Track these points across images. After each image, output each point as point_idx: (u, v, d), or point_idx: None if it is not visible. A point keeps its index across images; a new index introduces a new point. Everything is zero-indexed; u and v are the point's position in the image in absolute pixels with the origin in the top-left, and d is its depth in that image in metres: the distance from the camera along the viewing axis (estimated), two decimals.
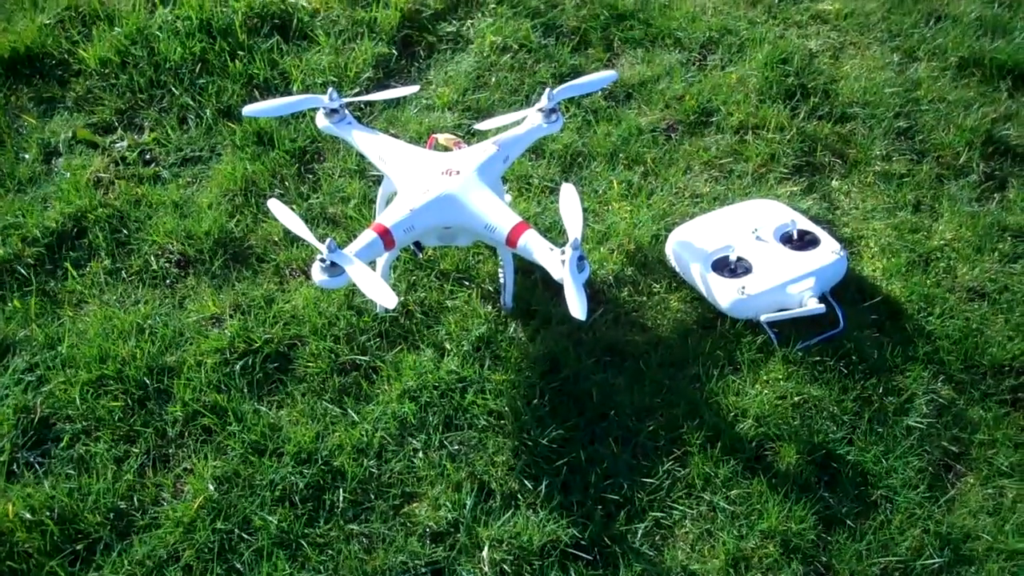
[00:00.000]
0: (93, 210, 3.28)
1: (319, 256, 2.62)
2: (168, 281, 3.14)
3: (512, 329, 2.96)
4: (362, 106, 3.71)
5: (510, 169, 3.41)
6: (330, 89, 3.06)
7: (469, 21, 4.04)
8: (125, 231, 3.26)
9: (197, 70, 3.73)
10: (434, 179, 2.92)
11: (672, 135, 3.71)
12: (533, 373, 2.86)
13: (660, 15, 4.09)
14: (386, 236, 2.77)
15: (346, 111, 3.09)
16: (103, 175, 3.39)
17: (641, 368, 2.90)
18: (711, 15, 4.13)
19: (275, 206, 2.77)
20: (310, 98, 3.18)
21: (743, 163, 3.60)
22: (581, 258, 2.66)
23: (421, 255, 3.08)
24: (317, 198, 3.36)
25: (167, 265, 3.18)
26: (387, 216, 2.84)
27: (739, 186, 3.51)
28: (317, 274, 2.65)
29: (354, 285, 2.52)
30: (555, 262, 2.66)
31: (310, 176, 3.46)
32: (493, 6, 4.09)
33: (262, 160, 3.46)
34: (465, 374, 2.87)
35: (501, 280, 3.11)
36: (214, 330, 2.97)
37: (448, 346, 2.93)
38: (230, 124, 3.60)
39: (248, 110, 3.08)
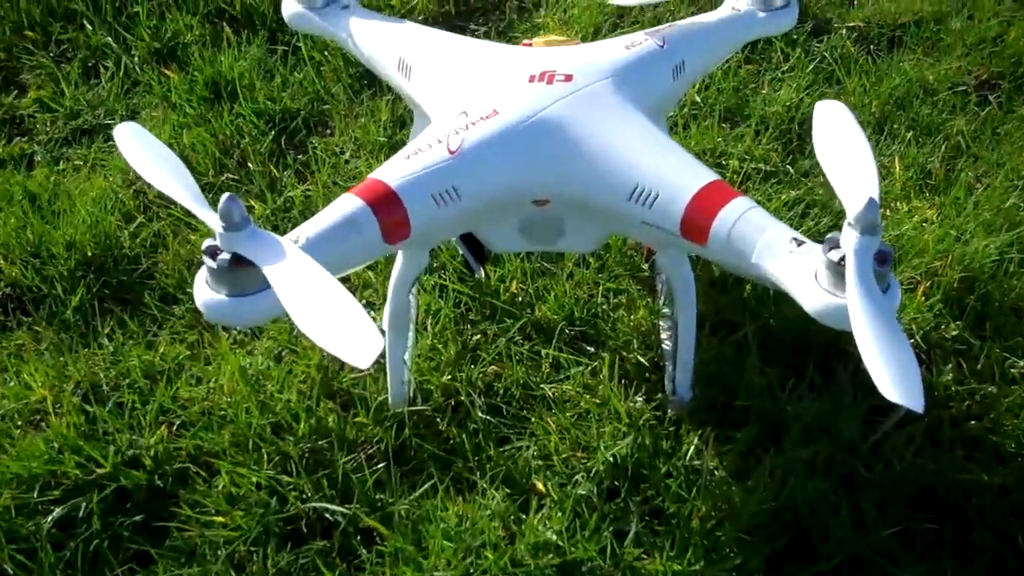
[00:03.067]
0: None
1: (206, 244, 1.16)
2: None
3: (691, 447, 1.42)
4: None
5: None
6: None
7: None
8: None
9: None
10: (514, 90, 1.42)
11: (990, 96, 2.17)
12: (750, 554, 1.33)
13: None
14: (385, 206, 1.27)
15: None
16: None
17: None
18: None
19: (126, 133, 1.32)
20: None
21: None
22: (884, 259, 1.12)
23: (481, 271, 1.54)
24: (307, 191, 1.93)
25: None
26: (394, 166, 1.35)
27: None
28: (200, 288, 1.19)
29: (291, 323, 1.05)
30: (808, 271, 1.14)
31: (298, 156, 2.02)
32: None
33: (210, 125, 2.05)
34: (576, 555, 1.36)
35: (667, 345, 1.57)
36: (30, 435, 1.48)
37: (541, 484, 1.42)
38: (167, 72, 2.21)
39: None
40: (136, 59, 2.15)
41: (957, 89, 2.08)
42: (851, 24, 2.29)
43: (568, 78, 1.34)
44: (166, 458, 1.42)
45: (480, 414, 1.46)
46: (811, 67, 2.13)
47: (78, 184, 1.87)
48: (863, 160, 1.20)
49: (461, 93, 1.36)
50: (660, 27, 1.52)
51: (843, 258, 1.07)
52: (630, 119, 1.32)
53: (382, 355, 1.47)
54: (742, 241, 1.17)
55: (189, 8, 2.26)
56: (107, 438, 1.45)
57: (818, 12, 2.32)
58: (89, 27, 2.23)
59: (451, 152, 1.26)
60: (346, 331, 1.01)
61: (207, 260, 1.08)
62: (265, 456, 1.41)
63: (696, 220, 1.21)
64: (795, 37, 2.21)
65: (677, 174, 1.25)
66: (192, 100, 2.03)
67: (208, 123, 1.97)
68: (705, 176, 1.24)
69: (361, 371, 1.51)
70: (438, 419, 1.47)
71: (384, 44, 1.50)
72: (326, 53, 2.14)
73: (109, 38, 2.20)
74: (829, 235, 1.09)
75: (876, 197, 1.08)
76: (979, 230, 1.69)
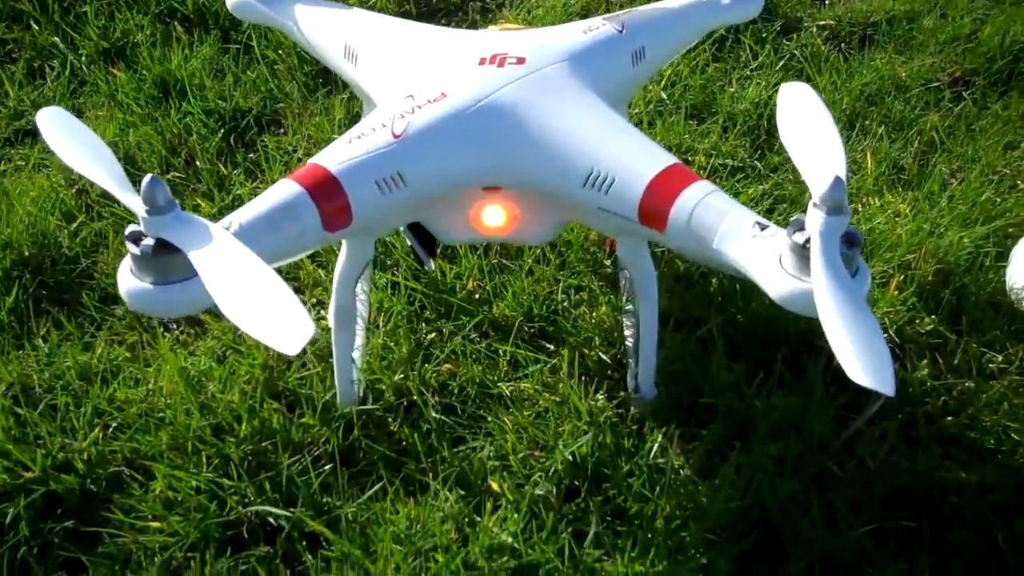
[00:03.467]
0: None
1: (129, 230, 1.10)
2: None
3: (655, 445, 1.36)
4: None
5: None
6: None
7: None
8: None
9: None
10: (463, 73, 1.37)
11: (964, 93, 2.13)
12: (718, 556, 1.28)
13: None
14: (325, 192, 1.21)
15: None
16: None
17: None
18: None
19: (48, 117, 1.26)
20: None
21: None
22: (852, 240, 1.07)
23: (431, 264, 1.44)
24: (256, 188, 1.83)
25: None
26: (335, 150, 1.30)
27: None
28: (124, 276, 1.13)
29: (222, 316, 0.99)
30: (772, 255, 1.09)
31: (249, 154, 1.95)
32: None
33: (157, 124, 1.99)
34: (533, 557, 1.30)
35: (630, 341, 1.52)
36: None
37: (497, 485, 1.36)
38: (114, 71, 2.15)
39: None
40: (83, 59, 2.09)
41: (930, 85, 2.04)
42: (822, 23, 2.25)
43: (520, 61, 1.29)
44: (100, 461, 1.35)
45: (434, 414, 1.40)
46: (780, 64, 2.09)
47: (18, 184, 1.80)
48: (829, 141, 1.15)
49: (408, 77, 1.30)
50: (619, 13, 1.47)
51: (808, 240, 1.02)
52: (586, 103, 1.27)
53: (330, 354, 1.42)
54: (702, 227, 1.12)
55: (140, 8, 2.20)
56: (38, 442, 1.38)
57: (788, 11, 2.28)
58: (35, 27, 2.17)
59: (395, 136, 1.21)
60: (274, 316, 0.95)
61: (130, 246, 1.02)
62: (205, 459, 1.34)
63: (654, 205, 1.15)
64: (764, 35, 2.17)
65: (634, 158, 1.19)
66: (139, 99, 1.96)
67: (155, 121, 1.91)
68: (664, 160, 1.18)
69: (307, 369, 1.45)
70: (389, 419, 1.40)
71: (330, 30, 1.44)
72: (280, 52, 2.08)
73: (56, 38, 2.14)
74: (794, 217, 1.04)
75: (843, 176, 1.03)
76: (954, 224, 1.64)
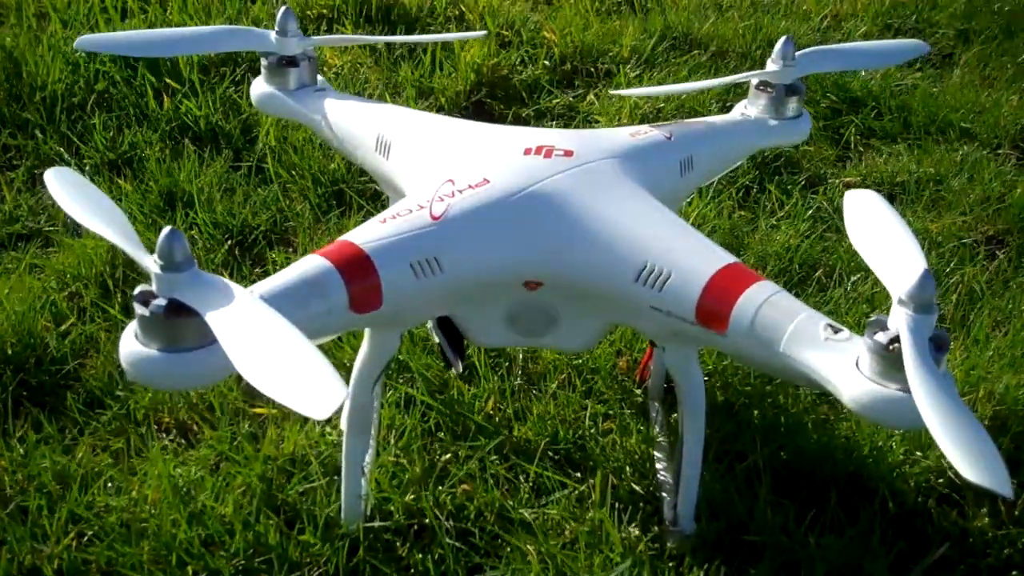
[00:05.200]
0: None
1: (139, 290, 1.00)
2: None
3: (693, 573, 1.20)
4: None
5: None
6: (283, 12, 1.52)
7: None
8: None
9: (89, 104, 2.27)
10: (508, 160, 1.29)
11: (998, 252, 2.07)
12: None
13: (922, 106, 2.54)
14: (355, 270, 1.11)
15: (314, 66, 1.54)
16: None
17: None
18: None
19: (58, 177, 1.16)
20: (234, 32, 1.61)
21: None
22: (940, 344, 0.97)
23: (460, 365, 1.28)
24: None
25: None
26: (368, 229, 1.20)
27: None
28: (127, 342, 1.01)
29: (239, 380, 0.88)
30: (849, 359, 0.99)
31: (255, 268, 1.83)
32: None
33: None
34: None
35: (663, 475, 1.39)
36: None
37: None
38: (119, 181, 2.06)
39: (86, 41, 1.54)
40: (88, 168, 2.02)
41: (964, 241, 1.98)
42: (847, 179, 2.21)
43: (568, 153, 1.22)
44: (72, 570, 1.19)
45: (448, 539, 1.26)
46: (808, 214, 2.03)
47: (7, 285, 1.69)
48: (904, 241, 1.07)
49: (446, 165, 1.22)
50: (664, 122, 1.41)
51: (893, 340, 0.92)
52: (637, 196, 1.19)
53: (336, 467, 1.29)
54: (768, 328, 1.02)
55: (150, 124, 2.15)
56: (4, 547, 1.23)
57: (811, 168, 2.25)
58: (40, 136, 2.10)
59: (434, 218, 1.12)
60: (301, 379, 0.83)
61: (138, 307, 0.91)
62: (191, 573, 1.20)
63: (715, 304, 1.06)
64: (789, 187, 2.13)
65: (692, 254, 1.10)
66: (144, 207, 1.88)
67: (158, 232, 1.82)
68: (724, 257, 1.10)
69: (309, 482, 1.31)
70: (398, 543, 1.27)
71: (361, 123, 1.37)
72: (293, 172, 2.02)
73: (61, 148, 2.08)
74: (873, 318, 0.95)
75: (925, 274, 0.94)
76: (1006, 370, 1.55)
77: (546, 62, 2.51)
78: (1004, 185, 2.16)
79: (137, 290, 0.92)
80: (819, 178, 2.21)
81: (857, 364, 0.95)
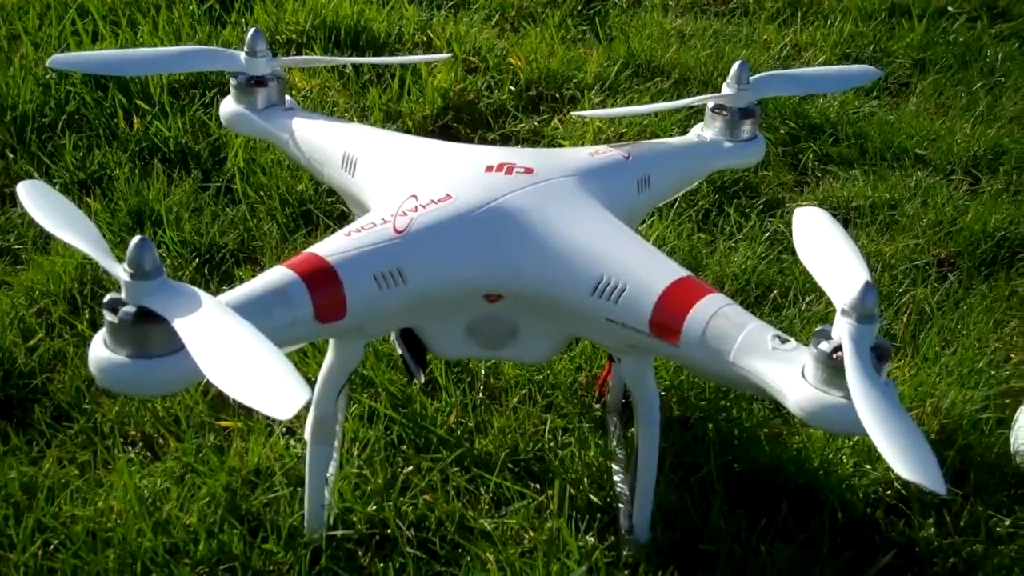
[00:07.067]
0: None
1: (108, 298, 1.02)
2: None
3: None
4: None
5: None
6: (252, 33, 1.56)
7: None
8: None
9: (60, 124, 2.29)
10: (470, 177, 1.32)
11: (949, 273, 2.12)
12: None
13: (879, 133, 2.61)
14: (320, 282, 1.14)
15: (282, 86, 1.57)
16: None
17: None
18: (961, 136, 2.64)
19: (29, 189, 1.19)
20: (204, 52, 1.64)
21: None
22: (882, 353, 1.01)
23: (421, 376, 1.31)
24: None
25: None
26: (332, 242, 1.23)
27: None
28: (96, 349, 1.03)
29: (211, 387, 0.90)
30: (795, 368, 1.03)
31: (223, 287, 1.85)
32: None
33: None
34: None
35: (621, 487, 1.43)
36: None
37: None
38: (88, 200, 2.07)
39: (59, 60, 1.57)
40: (57, 187, 2.03)
41: (916, 264, 2.04)
42: (803, 204, 2.27)
43: (528, 170, 1.25)
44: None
45: (409, 548, 1.29)
46: (766, 236, 2.08)
47: None
48: (848, 254, 1.11)
49: (411, 181, 1.26)
50: (622, 143, 1.46)
51: (836, 349, 0.96)
52: (595, 213, 1.23)
53: (299, 477, 1.32)
54: (718, 339, 1.06)
55: (120, 144, 2.17)
56: None
57: (769, 193, 2.30)
58: (11, 155, 2.12)
59: (398, 232, 1.15)
60: (266, 381, 0.86)
61: (107, 315, 0.94)
62: None
63: (667, 316, 1.09)
64: (747, 210, 2.18)
65: (646, 267, 1.14)
66: (113, 226, 1.91)
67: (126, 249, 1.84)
68: (677, 271, 1.14)
69: (273, 492, 1.34)
70: (360, 552, 1.29)
71: (328, 140, 1.41)
72: (260, 193, 2.05)
73: (31, 167, 2.10)
74: (818, 328, 0.99)
75: (866, 285, 0.98)
76: (953, 387, 1.60)
77: (512, 88, 2.56)
78: (956, 210, 2.22)
79: (107, 298, 0.95)
80: (777, 202, 2.26)
81: (803, 372, 0.99)
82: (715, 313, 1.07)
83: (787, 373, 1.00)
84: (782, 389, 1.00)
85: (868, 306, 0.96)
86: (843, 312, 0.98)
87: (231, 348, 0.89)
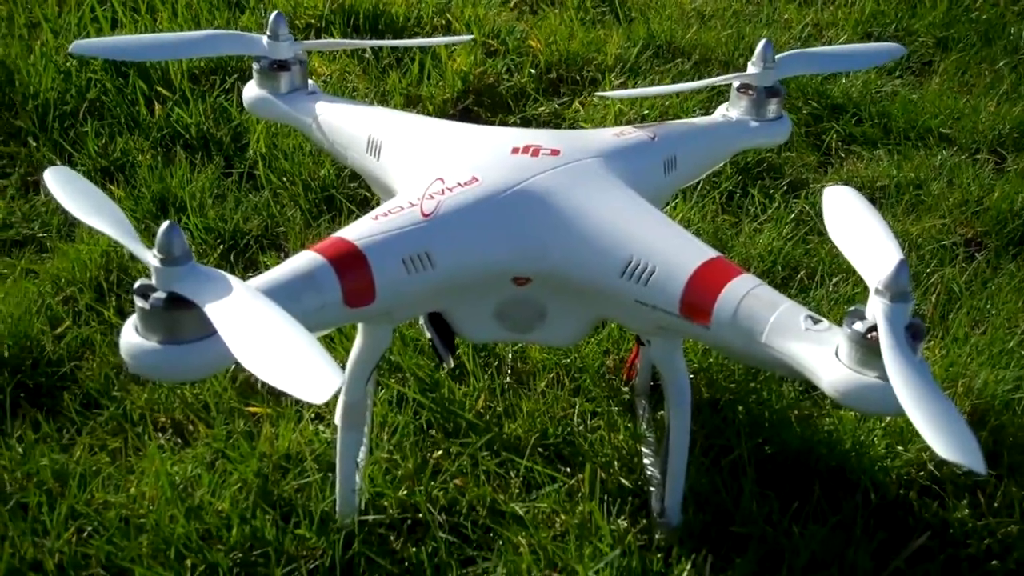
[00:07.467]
0: None
1: (139, 284, 1.02)
2: None
3: (684, 573, 1.25)
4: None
5: None
6: (274, 16, 1.55)
7: None
8: None
9: (81, 112, 2.30)
10: (496, 159, 1.31)
11: (977, 253, 2.11)
12: None
13: (902, 112, 2.59)
14: (349, 266, 1.14)
15: (304, 70, 1.57)
16: None
17: None
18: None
19: (56, 176, 1.19)
20: (226, 36, 1.64)
21: None
22: (916, 332, 1.00)
23: (450, 360, 1.32)
24: None
25: None
26: (360, 226, 1.23)
27: None
28: (127, 335, 1.03)
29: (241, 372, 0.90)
30: (828, 348, 1.02)
31: (248, 273, 1.87)
32: None
33: (154, 239, 1.88)
34: None
35: (651, 470, 1.42)
36: None
37: None
38: (112, 188, 2.08)
39: (81, 45, 1.56)
40: (80, 174, 2.03)
41: (943, 244, 2.02)
42: (829, 184, 2.25)
43: (555, 152, 1.25)
44: (72, 564, 1.22)
45: (441, 533, 1.29)
46: (791, 217, 2.07)
47: (3, 290, 1.71)
48: (880, 232, 1.10)
49: (436, 164, 1.26)
50: (648, 123, 1.45)
51: (871, 329, 0.95)
52: (622, 193, 1.22)
53: (330, 463, 1.32)
54: (750, 320, 1.05)
55: (142, 132, 2.17)
56: (4, 540, 1.25)
57: (793, 174, 2.28)
58: (33, 143, 2.12)
59: (425, 215, 1.15)
60: (299, 366, 0.86)
61: (138, 301, 0.94)
62: (189, 566, 1.22)
63: (698, 297, 1.09)
64: (772, 192, 2.17)
65: (676, 248, 1.14)
66: (137, 213, 1.91)
67: (152, 237, 1.84)
68: (707, 252, 1.13)
69: (304, 477, 1.34)
70: (392, 536, 1.29)
71: (352, 124, 1.40)
72: (284, 179, 2.05)
73: (53, 155, 2.10)
74: (851, 308, 0.98)
75: (901, 265, 0.97)
76: (984, 367, 1.59)
77: (532, 70, 2.55)
78: (982, 189, 2.20)
79: (137, 284, 0.95)
80: (801, 183, 2.24)
81: (837, 353, 0.99)
82: (747, 294, 1.07)
83: (821, 354, 1.00)
84: (816, 370, 1.00)
85: (902, 285, 0.96)
86: (877, 291, 0.97)
87: (263, 333, 0.89)
